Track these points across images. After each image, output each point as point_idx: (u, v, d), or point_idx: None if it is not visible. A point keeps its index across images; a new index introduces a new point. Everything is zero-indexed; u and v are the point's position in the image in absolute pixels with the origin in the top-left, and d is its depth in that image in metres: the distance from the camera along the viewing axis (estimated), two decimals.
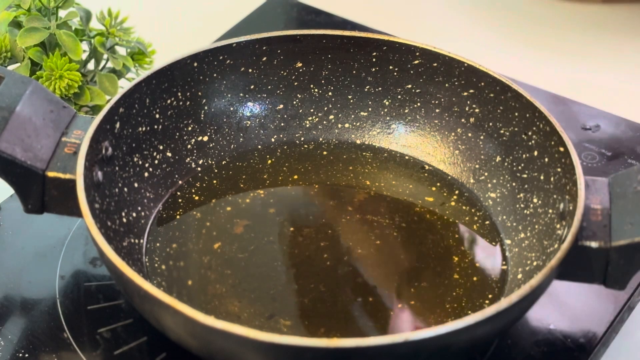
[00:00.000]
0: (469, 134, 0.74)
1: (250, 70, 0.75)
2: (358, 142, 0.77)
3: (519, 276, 0.66)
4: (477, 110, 0.73)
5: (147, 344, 0.65)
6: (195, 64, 0.73)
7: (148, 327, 0.63)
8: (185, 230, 0.70)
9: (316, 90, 0.77)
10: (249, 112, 0.76)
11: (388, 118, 0.76)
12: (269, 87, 0.76)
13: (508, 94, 0.71)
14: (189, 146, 0.74)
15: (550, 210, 0.67)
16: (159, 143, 0.72)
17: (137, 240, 0.68)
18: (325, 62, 0.76)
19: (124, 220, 0.67)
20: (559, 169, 0.67)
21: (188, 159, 0.74)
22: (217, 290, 0.66)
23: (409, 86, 0.76)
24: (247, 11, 0.95)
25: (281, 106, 0.77)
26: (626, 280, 0.62)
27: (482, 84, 0.73)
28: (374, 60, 0.76)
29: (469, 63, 0.73)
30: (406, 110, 0.76)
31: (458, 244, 0.69)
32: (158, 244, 0.69)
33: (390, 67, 0.75)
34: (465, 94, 0.74)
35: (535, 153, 0.69)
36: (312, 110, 0.77)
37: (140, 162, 0.71)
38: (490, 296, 0.66)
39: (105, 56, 0.80)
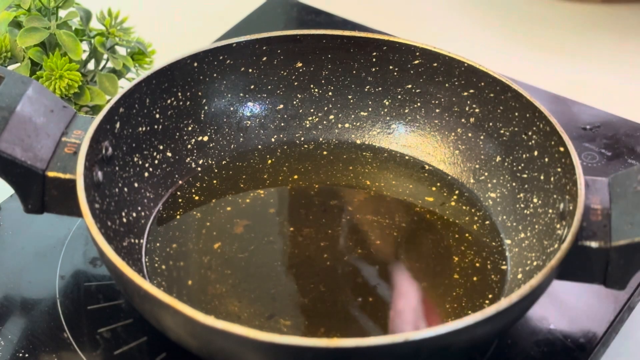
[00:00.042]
0: (469, 134, 0.74)
1: (250, 70, 0.75)
2: (358, 142, 0.77)
3: (519, 276, 0.66)
4: (477, 110, 0.73)
5: (147, 344, 0.65)
6: (195, 64, 0.73)
7: (148, 327, 0.63)
8: (185, 230, 0.70)
9: (316, 90, 0.77)
10: (249, 112, 0.76)
11: (388, 118, 0.76)
12: (269, 87, 0.76)
13: (508, 94, 0.71)
14: (189, 146, 0.74)
15: (550, 210, 0.67)
16: (159, 143, 0.72)
17: (137, 240, 0.68)
18: (325, 62, 0.76)
19: (124, 220, 0.67)
20: (559, 169, 0.67)
21: (188, 159, 0.74)
22: (217, 290, 0.66)
23: (409, 86, 0.76)
24: (247, 11, 0.95)
25: (281, 106, 0.77)
26: (626, 280, 0.62)
27: (482, 84, 0.73)
28: (374, 60, 0.76)
29: (469, 63, 0.73)
30: (406, 110, 0.76)
31: (458, 244, 0.69)
32: (158, 244, 0.69)
33: (390, 67, 0.75)
34: (465, 94, 0.74)
35: (535, 153, 0.69)
36: (312, 110, 0.77)
37: (140, 162, 0.71)
38: (490, 296, 0.66)
39: (105, 56, 0.80)
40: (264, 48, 0.75)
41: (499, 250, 0.69)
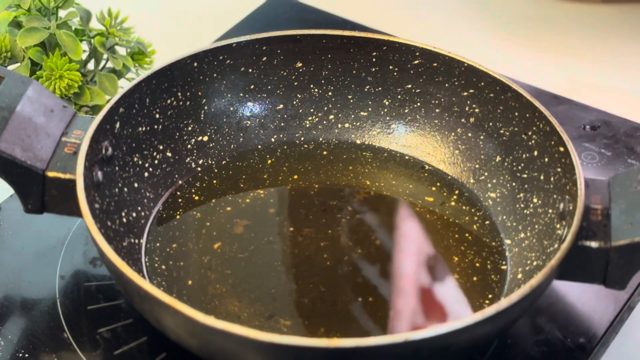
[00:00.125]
0: (469, 134, 0.74)
1: (250, 70, 0.75)
2: (358, 142, 0.77)
3: (519, 276, 0.66)
4: (477, 110, 0.73)
5: (147, 344, 0.65)
6: (195, 64, 0.73)
7: (148, 327, 0.63)
8: (185, 230, 0.70)
9: (316, 90, 0.77)
10: (249, 112, 0.76)
11: (388, 118, 0.76)
12: (269, 87, 0.76)
13: (508, 94, 0.71)
14: (189, 146, 0.74)
15: (550, 210, 0.67)
16: (159, 143, 0.72)
17: (137, 240, 0.68)
18: (325, 62, 0.76)
19: (124, 220, 0.67)
20: (559, 169, 0.67)
21: (188, 159, 0.74)
22: (217, 290, 0.66)
23: (409, 86, 0.76)
24: (247, 11, 0.95)
25: (281, 106, 0.77)
26: (626, 280, 0.62)
27: (482, 84, 0.73)
28: (374, 60, 0.76)
29: (469, 63, 0.73)
30: (406, 110, 0.76)
31: (458, 244, 0.69)
32: (158, 244, 0.69)
33: (390, 67, 0.75)
34: (465, 94, 0.74)
35: (535, 153, 0.69)
36: (312, 110, 0.77)
37: (140, 162, 0.71)
38: (490, 296, 0.66)
39: (105, 56, 0.80)
40: (264, 48, 0.75)
41: (499, 250, 0.69)
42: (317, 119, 0.77)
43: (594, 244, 0.61)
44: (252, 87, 0.76)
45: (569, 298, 0.68)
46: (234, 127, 0.76)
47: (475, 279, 0.67)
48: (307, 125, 0.77)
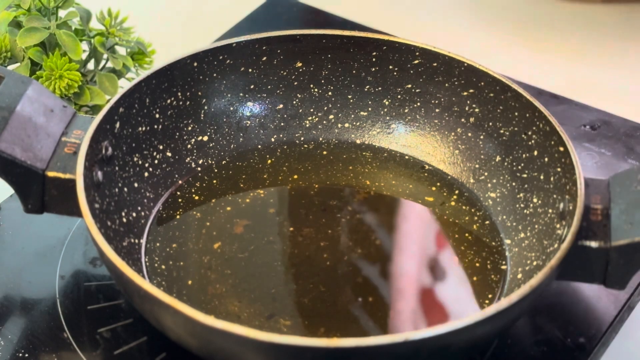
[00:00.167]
0: (469, 134, 0.74)
1: (250, 70, 0.75)
2: (358, 142, 0.77)
3: (519, 276, 0.66)
4: (477, 110, 0.73)
5: (147, 344, 0.65)
6: (195, 64, 0.73)
7: (148, 327, 0.63)
8: (185, 230, 0.70)
9: (316, 90, 0.77)
10: (249, 112, 0.76)
11: (388, 118, 0.76)
12: (269, 87, 0.76)
13: (508, 93, 0.71)
14: (189, 146, 0.74)
15: (550, 210, 0.67)
16: (159, 143, 0.72)
17: (137, 240, 0.68)
18: (325, 62, 0.76)
19: (124, 220, 0.67)
20: (558, 169, 0.67)
21: (188, 158, 0.74)
22: (217, 290, 0.66)
23: (409, 86, 0.76)
24: (247, 11, 0.95)
25: (281, 106, 0.77)
26: (626, 280, 0.62)
27: (482, 83, 0.73)
28: (374, 60, 0.76)
29: (469, 63, 0.73)
30: (406, 110, 0.76)
31: (458, 244, 0.69)
32: (158, 244, 0.69)
33: (390, 67, 0.75)
34: (465, 93, 0.74)
35: (535, 153, 0.69)
36: (312, 110, 0.77)
37: (140, 162, 0.71)
38: (490, 296, 0.66)
39: (105, 56, 0.80)
40: (264, 48, 0.75)
41: (498, 250, 0.69)
42: (317, 119, 0.77)
43: (594, 244, 0.61)
44: (252, 87, 0.76)
45: (569, 298, 0.68)
46: (234, 127, 0.76)
47: (475, 278, 0.67)
48: (307, 125, 0.77)
